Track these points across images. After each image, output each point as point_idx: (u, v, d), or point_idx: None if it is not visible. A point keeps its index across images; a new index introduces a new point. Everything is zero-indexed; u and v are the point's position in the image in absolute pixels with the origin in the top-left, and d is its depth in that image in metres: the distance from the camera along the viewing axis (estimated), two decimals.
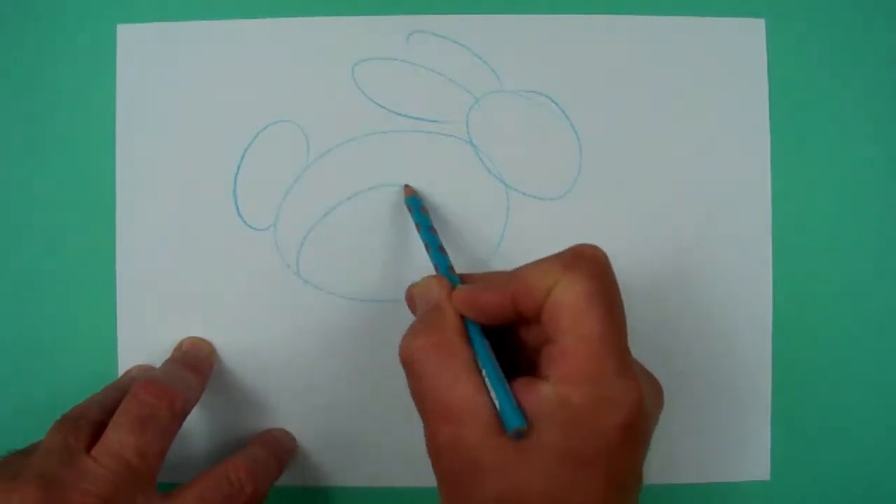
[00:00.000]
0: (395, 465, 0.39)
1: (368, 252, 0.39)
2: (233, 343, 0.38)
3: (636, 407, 0.27)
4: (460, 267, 0.33)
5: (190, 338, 0.38)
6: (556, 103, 0.39)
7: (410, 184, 0.38)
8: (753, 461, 0.39)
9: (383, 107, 0.39)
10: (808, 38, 0.39)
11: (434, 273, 0.33)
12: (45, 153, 0.39)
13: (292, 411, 0.39)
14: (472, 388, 0.28)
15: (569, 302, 0.28)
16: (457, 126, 0.39)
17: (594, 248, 0.29)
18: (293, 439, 0.38)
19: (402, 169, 0.39)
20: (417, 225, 0.36)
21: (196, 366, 0.36)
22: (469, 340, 0.29)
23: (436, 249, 0.34)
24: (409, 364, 0.29)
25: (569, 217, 0.39)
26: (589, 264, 0.28)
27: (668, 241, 0.39)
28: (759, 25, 0.39)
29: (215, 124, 0.38)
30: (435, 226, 0.36)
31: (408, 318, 0.38)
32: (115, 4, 0.39)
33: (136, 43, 0.39)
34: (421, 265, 0.38)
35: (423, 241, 0.35)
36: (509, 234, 0.39)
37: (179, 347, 0.38)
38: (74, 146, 0.39)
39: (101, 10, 0.39)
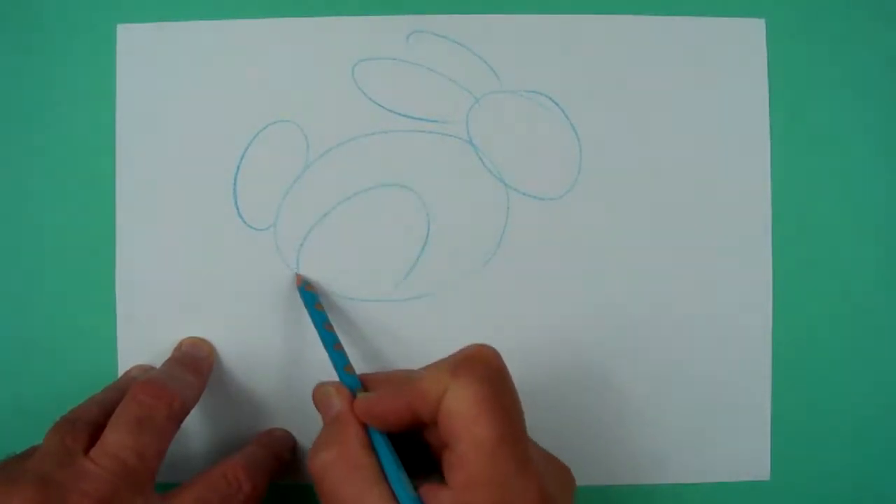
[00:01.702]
0: None
1: (368, 252, 0.39)
2: (232, 343, 0.38)
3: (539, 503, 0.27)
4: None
5: (189, 338, 0.38)
6: (556, 103, 0.39)
7: (410, 184, 0.38)
8: (753, 461, 0.39)
9: (383, 107, 0.39)
10: (808, 38, 0.39)
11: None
12: (45, 153, 0.39)
13: (292, 411, 0.39)
14: (379, 500, 0.28)
15: (459, 409, 0.28)
16: (457, 126, 0.39)
17: (484, 348, 0.30)
18: (293, 439, 0.38)
19: (402, 169, 0.39)
20: (313, 321, 0.36)
21: (195, 366, 0.36)
22: (374, 450, 0.30)
23: (331, 348, 0.34)
24: (318, 479, 0.30)
25: (569, 217, 0.39)
26: (478, 367, 0.29)
27: (667, 241, 0.39)
28: (759, 25, 0.39)
29: (215, 124, 0.38)
30: (325, 314, 0.36)
31: (409, 320, 0.38)
32: (115, 4, 0.39)
33: (136, 43, 0.38)
34: (421, 265, 0.38)
35: (320, 338, 0.35)
36: (509, 234, 0.39)
37: (179, 347, 0.38)
38: (74, 146, 0.39)
39: (101, 10, 0.39)
